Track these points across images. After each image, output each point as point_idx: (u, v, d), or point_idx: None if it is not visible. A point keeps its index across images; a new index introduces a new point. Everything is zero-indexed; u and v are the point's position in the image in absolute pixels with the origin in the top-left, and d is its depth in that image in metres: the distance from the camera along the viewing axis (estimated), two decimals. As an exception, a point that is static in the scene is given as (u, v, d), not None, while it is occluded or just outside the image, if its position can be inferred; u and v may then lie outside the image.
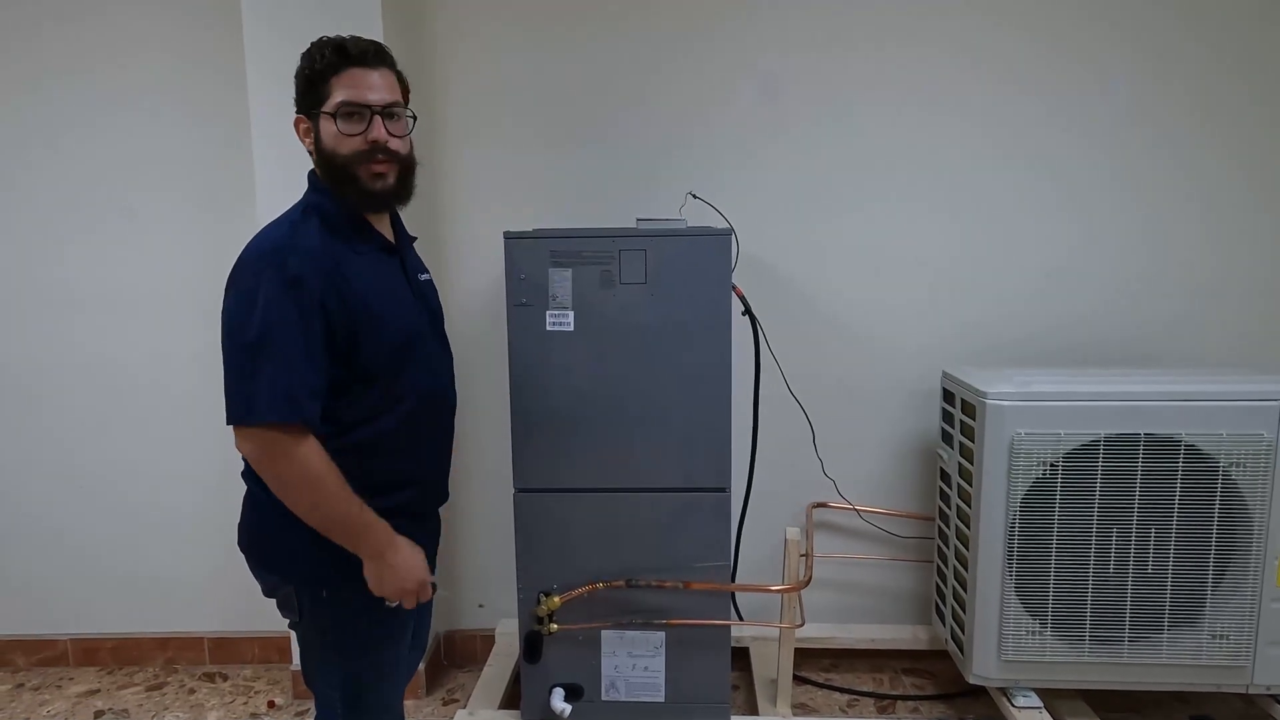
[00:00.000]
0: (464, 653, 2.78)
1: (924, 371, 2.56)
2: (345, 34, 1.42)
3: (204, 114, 2.53)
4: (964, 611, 2.25)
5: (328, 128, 1.39)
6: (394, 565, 1.42)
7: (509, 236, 2.03)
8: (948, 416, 2.36)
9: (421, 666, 2.57)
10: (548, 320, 2.04)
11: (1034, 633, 2.14)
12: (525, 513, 2.09)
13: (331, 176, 1.42)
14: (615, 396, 2.07)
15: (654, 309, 2.03)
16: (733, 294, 2.08)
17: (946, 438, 2.38)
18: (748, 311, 2.23)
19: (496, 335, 2.44)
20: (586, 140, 2.53)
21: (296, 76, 1.42)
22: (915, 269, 2.54)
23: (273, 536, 1.45)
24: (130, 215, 2.59)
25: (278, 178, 2.32)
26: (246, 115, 2.32)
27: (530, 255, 2.01)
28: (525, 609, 2.14)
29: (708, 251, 2.02)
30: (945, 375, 2.37)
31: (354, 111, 1.39)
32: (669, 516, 2.10)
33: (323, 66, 1.38)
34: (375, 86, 1.40)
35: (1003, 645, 2.15)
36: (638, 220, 2.08)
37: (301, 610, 1.47)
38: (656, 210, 2.32)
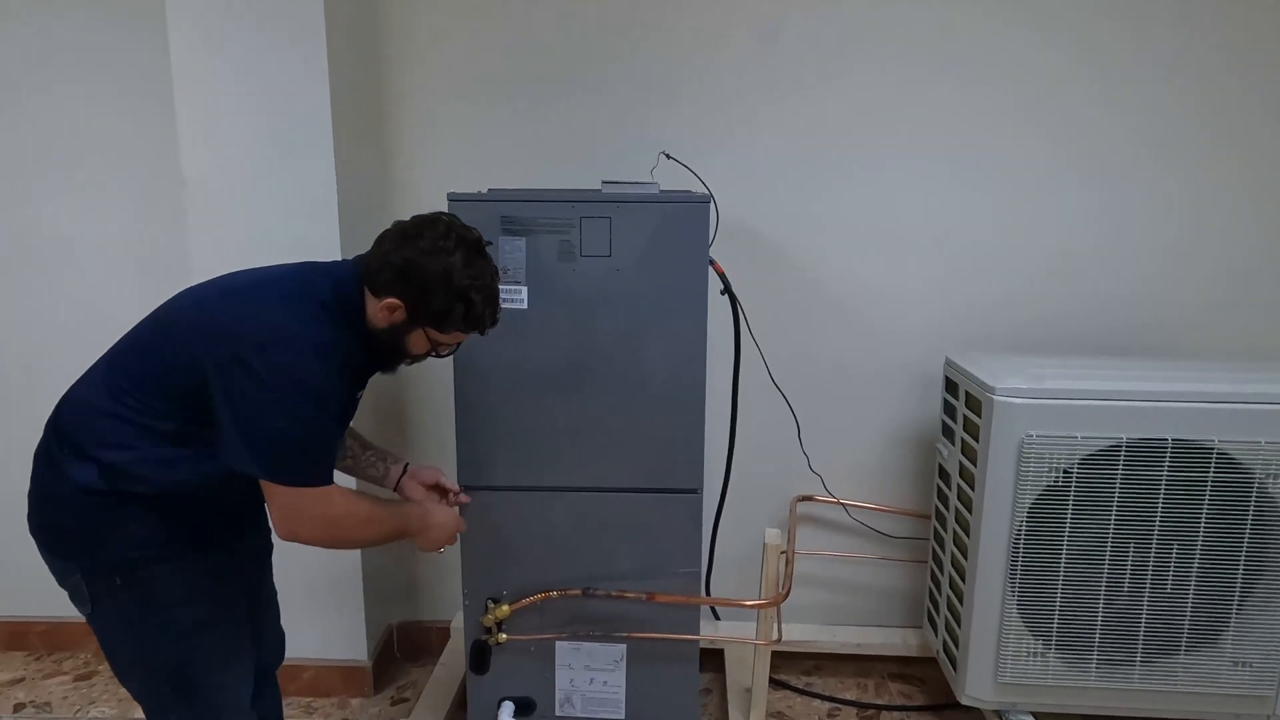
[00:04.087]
0: (418, 645, 2.60)
1: (924, 355, 2.33)
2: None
3: (127, 72, 2.31)
4: (959, 625, 2.05)
5: (420, 341, 1.49)
6: (435, 528, 1.65)
7: (453, 199, 1.78)
8: (949, 409, 2.13)
9: (368, 662, 2.38)
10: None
11: (1036, 654, 1.94)
12: (471, 512, 1.88)
13: (379, 346, 1.50)
14: (573, 384, 1.85)
15: (619, 285, 1.81)
16: (710, 269, 1.85)
17: (947, 432, 2.14)
18: (727, 290, 1.98)
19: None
20: (553, 94, 2.26)
21: (433, 281, 1.41)
22: (919, 242, 2.28)
23: (59, 520, 1.41)
24: (62, 169, 2.37)
25: (199, 130, 2.11)
26: (168, 69, 2.08)
27: (478, 222, 1.73)
28: (471, 616, 1.93)
29: (682, 220, 1.79)
30: (948, 363, 2.13)
31: (451, 351, 1.57)
32: (632, 519, 1.90)
33: (467, 323, 1.46)
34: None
35: (1000, 665, 1.96)
36: (603, 184, 1.82)
37: (95, 600, 1.41)
38: (628, 174, 2.05)
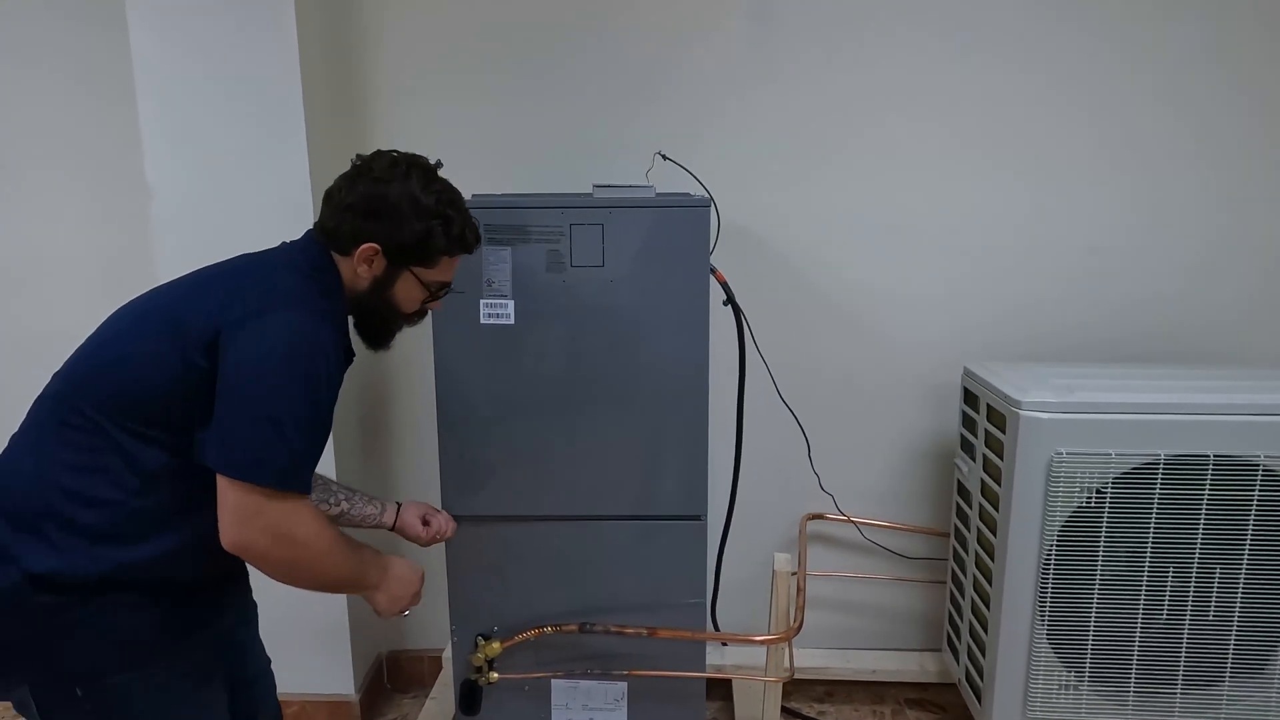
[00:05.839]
0: (410, 675, 2.46)
1: (941, 364, 2.19)
2: (469, 207, 1.37)
3: (84, 68, 2.15)
4: (982, 653, 1.92)
5: (411, 288, 1.34)
6: (396, 581, 1.39)
7: (431, 207, 1.63)
8: (969, 422, 1.99)
9: (355, 696, 2.25)
10: (482, 311, 1.71)
11: (1068, 686, 1.81)
12: (458, 543, 1.75)
13: (368, 312, 1.35)
14: (566, 406, 1.74)
15: (614, 298, 1.70)
16: (712, 279, 1.73)
17: (967, 447, 2.01)
18: (730, 301, 1.85)
19: (421, 330, 2.03)
20: (538, 89, 2.12)
21: (401, 207, 1.27)
22: (934, 242, 2.14)
23: None
24: (14, 176, 2.21)
25: (162, 133, 1.98)
26: (129, 68, 1.94)
27: (458, 231, 1.63)
28: (460, 654, 1.80)
29: (681, 226, 1.68)
30: (968, 373, 1.99)
31: (445, 291, 1.40)
32: (632, 549, 1.78)
33: (450, 243, 1.32)
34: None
35: (1029, 699, 1.82)
36: (594, 187, 1.69)
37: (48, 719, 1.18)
38: (621, 176, 1.91)
